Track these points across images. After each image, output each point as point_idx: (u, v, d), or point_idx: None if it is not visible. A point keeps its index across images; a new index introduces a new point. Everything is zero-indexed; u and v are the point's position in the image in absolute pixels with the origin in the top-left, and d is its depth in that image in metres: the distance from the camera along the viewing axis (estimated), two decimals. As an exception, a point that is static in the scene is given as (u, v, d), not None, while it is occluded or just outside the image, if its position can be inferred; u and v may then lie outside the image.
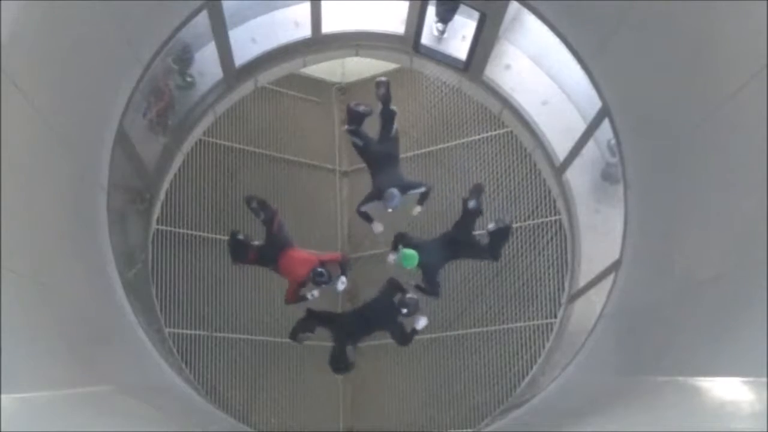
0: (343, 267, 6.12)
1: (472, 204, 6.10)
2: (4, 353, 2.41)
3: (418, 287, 6.17)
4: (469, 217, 6.17)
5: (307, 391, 7.95)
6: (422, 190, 6.28)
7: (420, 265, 5.90)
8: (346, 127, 6.28)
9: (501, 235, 6.16)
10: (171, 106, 6.62)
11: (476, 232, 6.40)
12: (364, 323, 6.09)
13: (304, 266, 5.85)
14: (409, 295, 5.86)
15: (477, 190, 6.23)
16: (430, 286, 6.14)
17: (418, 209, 6.47)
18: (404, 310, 5.74)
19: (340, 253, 6.40)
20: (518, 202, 7.77)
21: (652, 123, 4.39)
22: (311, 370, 7.95)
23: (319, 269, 5.78)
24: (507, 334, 7.53)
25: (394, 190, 5.90)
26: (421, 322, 6.05)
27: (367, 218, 6.39)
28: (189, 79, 6.69)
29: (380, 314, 5.95)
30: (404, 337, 6.00)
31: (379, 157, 6.24)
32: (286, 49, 7.17)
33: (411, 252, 5.83)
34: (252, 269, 7.74)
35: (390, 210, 6.02)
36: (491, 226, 6.12)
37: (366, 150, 6.28)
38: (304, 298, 6.13)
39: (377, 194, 6.04)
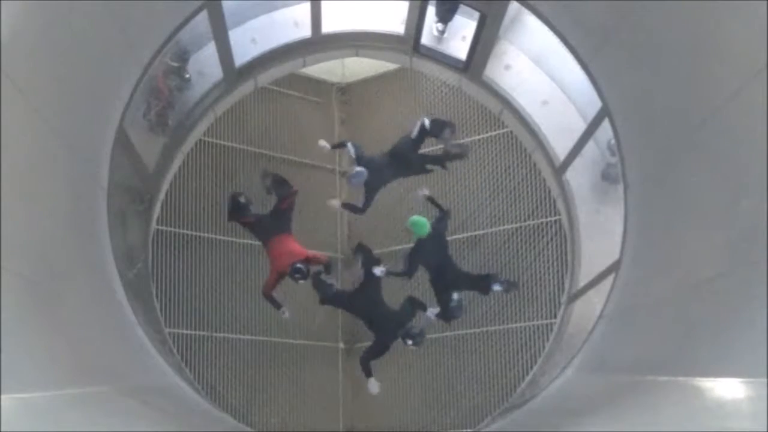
0: (326, 268, 6.06)
1: (495, 287, 6.02)
2: (4, 353, 2.41)
3: (389, 271, 6.08)
4: (481, 286, 6.13)
5: (307, 391, 7.95)
6: (363, 201, 6.16)
7: (418, 240, 5.96)
8: (428, 118, 6.16)
9: (454, 312, 6.09)
10: (171, 106, 6.63)
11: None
12: (368, 312, 5.99)
13: (290, 257, 5.76)
14: (422, 326, 5.86)
15: (510, 284, 6.21)
16: (406, 265, 6.10)
17: (336, 202, 6.58)
18: (409, 342, 5.69)
19: (326, 256, 6.32)
20: (518, 202, 7.77)
21: (652, 123, 4.39)
22: (311, 370, 7.96)
23: (298, 264, 5.67)
24: (507, 334, 7.53)
25: (364, 172, 5.90)
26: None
27: (340, 146, 6.63)
28: (187, 75, 6.69)
29: (387, 325, 5.87)
30: (382, 351, 5.98)
31: (403, 159, 6.20)
32: (286, 49, 7.18)
33: (424, 221, 5.91)
34: (251, 270, 7.75)
35: (351, 182, 6.12)
36: (456, 297, 5.98)
37: (406, 142, 6.20)
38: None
39: (362, 162, 6.02)
